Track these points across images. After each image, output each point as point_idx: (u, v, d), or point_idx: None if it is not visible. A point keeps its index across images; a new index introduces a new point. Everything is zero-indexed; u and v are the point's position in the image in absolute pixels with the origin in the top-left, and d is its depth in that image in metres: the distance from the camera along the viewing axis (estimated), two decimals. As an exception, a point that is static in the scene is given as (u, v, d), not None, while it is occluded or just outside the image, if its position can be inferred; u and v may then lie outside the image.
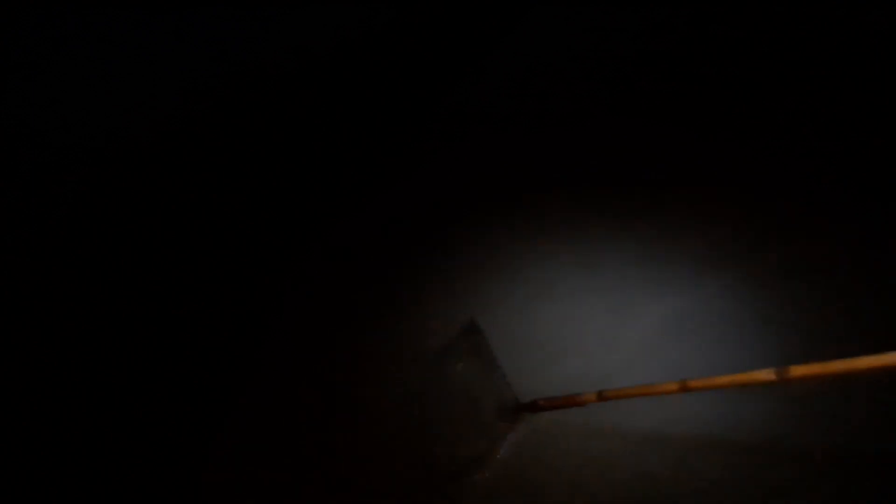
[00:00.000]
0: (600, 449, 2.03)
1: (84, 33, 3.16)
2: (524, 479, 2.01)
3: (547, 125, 3.09)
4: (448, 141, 3.13)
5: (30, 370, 2.37)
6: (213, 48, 3.24)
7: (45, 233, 2.63)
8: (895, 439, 1.94)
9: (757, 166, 2.71)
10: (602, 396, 1.84)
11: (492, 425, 2.06)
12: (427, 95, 3.31)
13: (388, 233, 2.81)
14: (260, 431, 2.26)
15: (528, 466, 2.03)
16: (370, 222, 2.85)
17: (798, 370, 1.47)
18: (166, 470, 2.18)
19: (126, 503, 2.13)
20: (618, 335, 2.29)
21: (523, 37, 3.47)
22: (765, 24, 3.20)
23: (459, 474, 1.99)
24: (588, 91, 3.17)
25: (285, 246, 2.79)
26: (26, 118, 2.92)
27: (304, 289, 2.67)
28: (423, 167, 3.03)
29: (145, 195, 2.82)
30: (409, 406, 2.17)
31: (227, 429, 2.28)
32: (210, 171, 2.93)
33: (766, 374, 1.53)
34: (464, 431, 2.06)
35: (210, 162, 2.96)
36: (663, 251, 2.51)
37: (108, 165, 2.85)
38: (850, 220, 2.44)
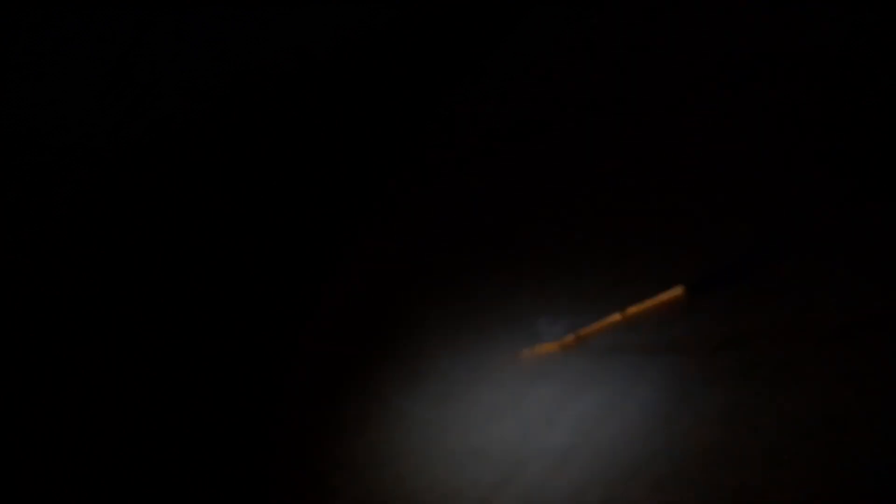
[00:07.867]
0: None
1: (84, 33, 3.16)
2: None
3: (546, 126, 3.09)
4: (448, 141, 3.13)
5: (30, 369, 2.37)
6: (213, 48, 3.24)
7: (45, 233, 2.64)
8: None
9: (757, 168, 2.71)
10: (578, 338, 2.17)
11: None
12: (427, 95, 3.32)
13: (386, 232, 2.81)
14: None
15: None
16: (368, 222, 2.85)
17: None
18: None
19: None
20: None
21: (523, 37, 3.47)
22: (765, 23, 3.20)
23: None
24: (587, 91, 3.16)
25: (282, 246, 2.79)
26: (26, 118, 2.92)
27: (303, 288, 2.67)
28: (422, 166, 3.03)
29: (145, 195, 2.82)
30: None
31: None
32: (210, 171, 2.93)
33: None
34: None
35: (210, 162, 2.97)
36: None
37: (108, 165, 2.85)
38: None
